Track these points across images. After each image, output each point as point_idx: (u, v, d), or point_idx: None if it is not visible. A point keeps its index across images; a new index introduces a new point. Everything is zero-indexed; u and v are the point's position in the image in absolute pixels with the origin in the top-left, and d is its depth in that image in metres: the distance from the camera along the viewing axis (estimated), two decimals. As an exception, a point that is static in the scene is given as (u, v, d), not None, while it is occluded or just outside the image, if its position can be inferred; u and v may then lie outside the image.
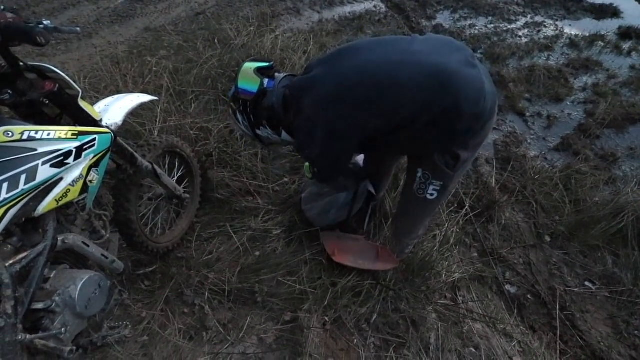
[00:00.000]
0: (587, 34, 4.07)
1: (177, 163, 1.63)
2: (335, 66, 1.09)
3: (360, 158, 1.69)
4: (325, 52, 1.26)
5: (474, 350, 1.42)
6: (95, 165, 1.01)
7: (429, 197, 1.26)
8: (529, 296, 1.64)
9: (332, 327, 1.44)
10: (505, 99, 2.98)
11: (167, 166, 1.57)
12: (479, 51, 3.71)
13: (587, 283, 1.71)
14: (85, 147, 0.97)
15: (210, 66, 2.42)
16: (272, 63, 1.25)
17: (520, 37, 4.08)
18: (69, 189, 0.93)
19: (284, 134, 1.25)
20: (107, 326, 1.08)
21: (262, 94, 1.18)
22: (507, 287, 1.68)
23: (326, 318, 1.45)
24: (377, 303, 1.50)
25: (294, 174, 2.01)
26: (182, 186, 1.62)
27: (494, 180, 2.13)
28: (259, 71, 1.19)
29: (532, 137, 2.69)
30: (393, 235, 1.57)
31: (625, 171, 2.39)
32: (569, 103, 3.05)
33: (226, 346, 1.36)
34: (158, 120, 1.93)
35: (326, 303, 1.46)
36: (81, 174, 0.96)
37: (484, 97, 1.06)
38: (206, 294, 1.48)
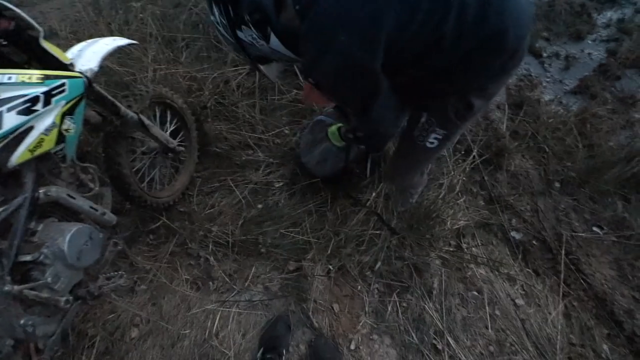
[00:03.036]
0: (617, -39, 3.65)
1: (169, 115, 1.55)
2: None
3: None
4: None
5: (476, 293, 1.44)
6: (69, 112, 0.95)
7: (428, 145, 1.16)
8: (534, 242, 1.63)
9: (336, 275, 1.46)
10: (521, 39, 2.76)
11: (159, 118, 1.50)
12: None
13: (594, 228, 1.69)
14: (54, 92, 0.89)
15: (201, 9, 2.22)
16: None
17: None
18: (42, 138, 0.88)
19: (273, 39, 0.94)
20: (103, 276, 1.10)
21: None
22: (513, 233, 1.66)
23: (330, 266, 1.46)
24: (381, 251, 1.50)
25: (294, 124, 1.93)
26: (177, 139, 1.56)
27: (504, 126, 2.03)
28: None
29: (547, 79, 2.52)
30: (389, 177, 1.52)
31: (645, 114, 2.26)
32: (589, 42, 2.82)
33: (233, 294, 1.40)
34: (148, 70, 1.81)
35: (330, 252, 1.47)
36: (54, 122, 0.90)
37: (528, 28, 0.91)
38: (210, 247, 1.49)
